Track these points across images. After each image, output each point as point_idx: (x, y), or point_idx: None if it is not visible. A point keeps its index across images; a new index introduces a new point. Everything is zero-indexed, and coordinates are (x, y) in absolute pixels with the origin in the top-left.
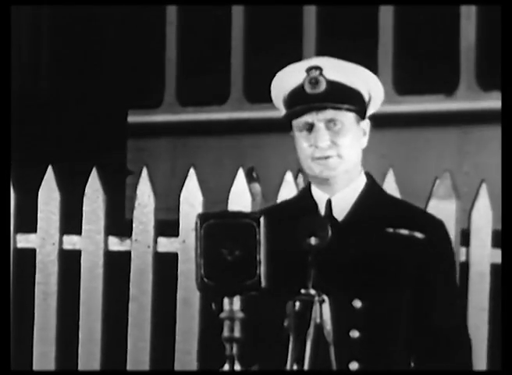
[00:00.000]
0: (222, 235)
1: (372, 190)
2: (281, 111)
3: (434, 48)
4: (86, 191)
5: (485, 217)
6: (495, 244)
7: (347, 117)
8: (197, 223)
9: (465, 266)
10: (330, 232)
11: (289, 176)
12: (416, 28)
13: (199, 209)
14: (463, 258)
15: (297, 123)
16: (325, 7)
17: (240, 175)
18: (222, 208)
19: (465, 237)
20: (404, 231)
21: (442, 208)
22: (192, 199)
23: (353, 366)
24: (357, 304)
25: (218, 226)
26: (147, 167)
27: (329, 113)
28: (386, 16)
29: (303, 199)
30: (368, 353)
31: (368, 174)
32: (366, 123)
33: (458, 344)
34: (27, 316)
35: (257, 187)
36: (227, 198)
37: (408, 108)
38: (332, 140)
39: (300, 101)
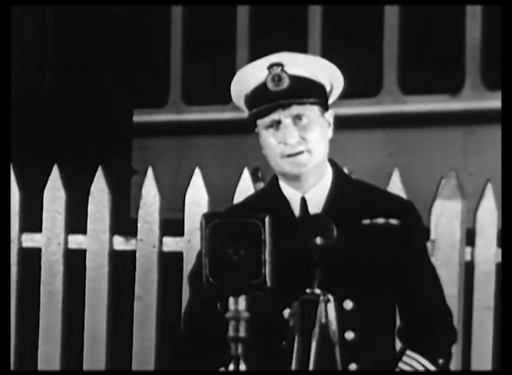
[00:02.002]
0: (227, 235)
1: (340, 180)
2: (242, 109)
3: (439, 48)
4: (91, 190)
5: (490, 217)
6: (500, 244)
7: (313, 111)
8: (202, 223)
9: (470, 266)
10: (335, 232)
11: None
12: (421, 28)
13: (204, 209)
14: (468, 257)
15: (263, 121)
16: (331, 7)
17: (245, 174)
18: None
19: (470, 237)
20: (380, 220)
21: (448, 208)
22: (197, 199)
23: (352, 367)
24: (348, 305)
25: (224, 225)
26: (153, 166)
27: (295, 109)
28: (392, 15)
29: (272, 197)
30: (365, 354)
31: (331, 162)
32: (330, 114)
33: (442, 319)
34: (32, 315)
35: (262, 186)
36: (232, 198)
37: (413, 108)
38: (300, 135)
39: (265, 99)
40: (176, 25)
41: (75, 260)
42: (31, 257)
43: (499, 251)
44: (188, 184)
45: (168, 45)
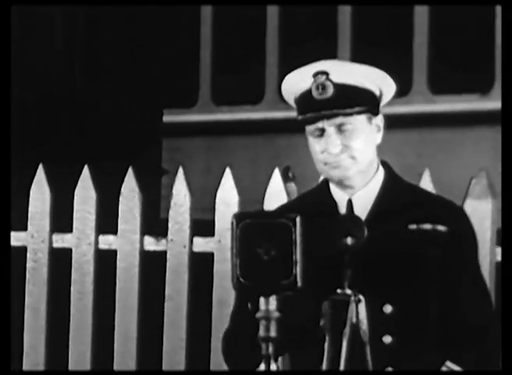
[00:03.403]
0: (257, 235)
1: (391, 184)
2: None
3: (469, 48)
4: (122, 190)
5: None
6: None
7: (358, 119)
8: (232, 223)
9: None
10: (366, 232)
11: None
12: (451, 28)
13: (235, 209)
14: (499, 257)
15: (309, 127)
16: (360, 7)
17: (276, 174)
18: (258, 207)
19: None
20: (427, 226)
21: (478, 208)
22: (228, 199)
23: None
24: (388, 309)
25: (254, 225)
26: (183, 167)
27: (339, 118)
28: (421, 16)
29: (321, 198)
30: (402, 358)
31: (384, 164)
32: (380, 119)
33: (486, 332)
34: (63, 315)
35: (293, 186)
36: (263, 198)
37: (443, 108)
38: (343, 143)
39: (310, 107)
40: (205, 25)
41: (105, 260)
42: (62, 257)
43: None
44: (219, 184)
45: (197, 45)
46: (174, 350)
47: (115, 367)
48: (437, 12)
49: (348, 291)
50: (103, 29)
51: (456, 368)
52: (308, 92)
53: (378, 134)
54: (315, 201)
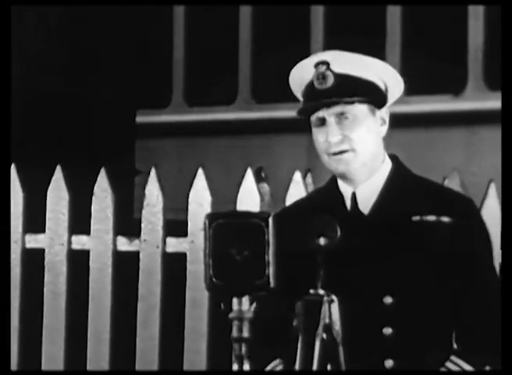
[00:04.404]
0: (230, 235)
1: (397, 176)
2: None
3: (442, 48)
4: (94, 190)
5: (493, 217)
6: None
7: (359, 109)
8: (205, 223)
9: None
10: (339, 232)
11: (297, 175)
12: (424, 28)
13: (207, 209)
14: None
15: (312, 118)
16: (333, 7)
17: (249, 175)
18: (231, 208)
19: None
20: (431, 217)
21: None
22: (200, 199)
23: (389, 363)
24: (388, 300)
25: (227, 226)
26: (156, 167)
27: (339, 107)
28: (394, 15)
29: (329, 192)
30: (403, 350)
31: (393, 157)
32: (385, 112)
33: (492, 327)
34: (36, 316)
35: (265, 186)
36: (236, 198)
37: (416, 109)
38: (344, 133)
39: (311, 97)
40: (178, 25)
41: (78, 261)
42: (35, 258)
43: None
44: (191, 185)
45: (170, 46)
46: (147, 350)
47: (89, 367)
48: (410, 12)
49: (321, 292)
50: (75, 30)
51: (462, 363)
52: (311, 83)
53: (382, 127)
54: (324, 196)
